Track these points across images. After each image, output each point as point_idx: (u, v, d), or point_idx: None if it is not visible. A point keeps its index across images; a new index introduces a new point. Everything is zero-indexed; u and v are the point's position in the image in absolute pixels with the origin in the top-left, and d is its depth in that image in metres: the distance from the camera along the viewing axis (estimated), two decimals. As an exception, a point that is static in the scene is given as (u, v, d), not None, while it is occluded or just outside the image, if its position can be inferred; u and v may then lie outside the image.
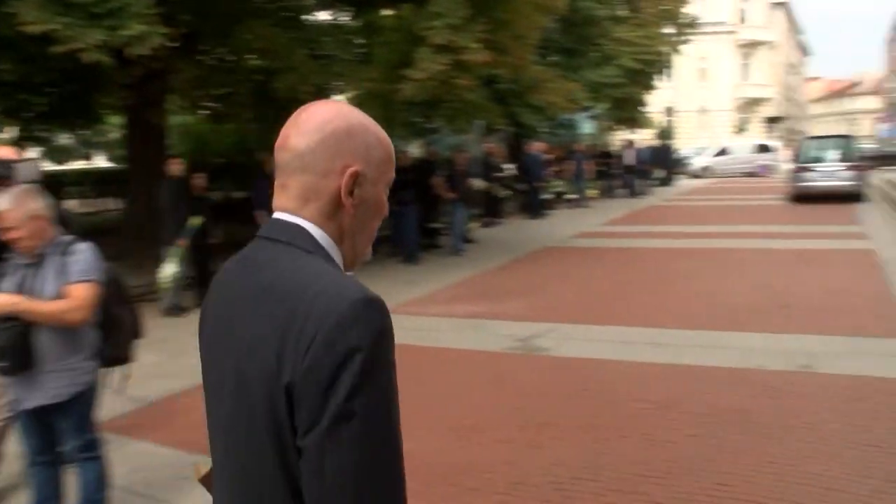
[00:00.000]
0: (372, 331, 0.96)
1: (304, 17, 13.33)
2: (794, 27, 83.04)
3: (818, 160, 18.96)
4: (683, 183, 29.79)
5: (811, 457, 3.96)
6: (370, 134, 1.15)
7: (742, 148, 36.73)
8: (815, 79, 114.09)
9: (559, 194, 19.79)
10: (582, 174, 20.21)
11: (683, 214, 17.26)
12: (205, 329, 1.19)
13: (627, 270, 10.08)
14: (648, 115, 26.55)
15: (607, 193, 23.56)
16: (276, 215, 1.13)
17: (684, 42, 25.47)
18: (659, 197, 22.76)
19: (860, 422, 4.43)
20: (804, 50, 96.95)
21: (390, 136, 1.21)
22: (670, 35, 24.97)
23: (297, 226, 1.11)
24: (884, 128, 56.57)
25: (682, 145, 41.58)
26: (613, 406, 4.89)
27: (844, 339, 6.21)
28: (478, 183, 15.13)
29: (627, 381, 5.40)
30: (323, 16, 14.01)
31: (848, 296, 7.82)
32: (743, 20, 55.69)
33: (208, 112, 15.27)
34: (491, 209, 16.16)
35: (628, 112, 24.56)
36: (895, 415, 4.53)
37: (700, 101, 53.41)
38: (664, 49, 24.59)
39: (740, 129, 52.03)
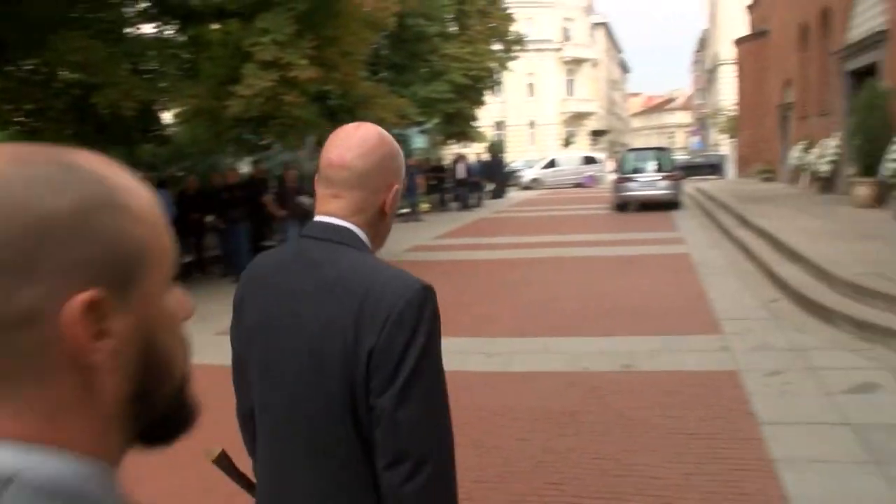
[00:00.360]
0: (430, 311, 1.28)
1: (126, 29, 12.70)
2: (614, 46, 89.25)
3: (638, 171, 20.48)
4: (514, 195, 31.12)
5: (633, 450, 4.29)
6: (401, 154, 1.43)
7: (569, 160, 38.92)
8: (635, 94, 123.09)
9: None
10: (414, 188, 20.58)
11: (515, 226, 18.04)
12: (248, 318, 1.38)
13: (461, 282, 10.39)
14: (479, 129, 27.51)
15: (440, 207, 24.15)
16: (326, 219, 1.36)
17: (512, 58, 26.67)
18: (491, 209, 23.64)
19: (676, 413, 4.85)
20: (624, 67, 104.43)
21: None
22: (498, 52, 26.07)
23: (349, 230, 1.36)
24: (694, 140, 62.11)
25: (513, 158, 43.45)
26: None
27: (662, 337, 6.75)
28: (308, 200, 15.01)
29: (459, 391, 5.57)
30: (147, 29, 13.40)
31: (665, 297, 8.53)
32: (567, 38, 59.11)
33: (20, 128, 14.10)
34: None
35: (459, 126, 25.35)
36: (704, 404, 5.00)
37: (529, 116, 56.07)
38: (493, 65, 25.63)
39: (567, 141, 55.07)
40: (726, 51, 46.29)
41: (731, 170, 35.34)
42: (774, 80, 26.93)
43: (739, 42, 31.30)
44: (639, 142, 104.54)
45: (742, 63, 30.84)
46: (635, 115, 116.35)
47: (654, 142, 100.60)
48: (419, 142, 28.74)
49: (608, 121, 79.67)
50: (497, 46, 26.14)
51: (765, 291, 8.64)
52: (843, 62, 17.52)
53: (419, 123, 23.46)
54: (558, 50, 57.40)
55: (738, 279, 9.51)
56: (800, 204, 16.25)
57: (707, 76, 68.46)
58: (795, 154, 21.48)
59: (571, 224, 17.70)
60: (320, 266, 1.31)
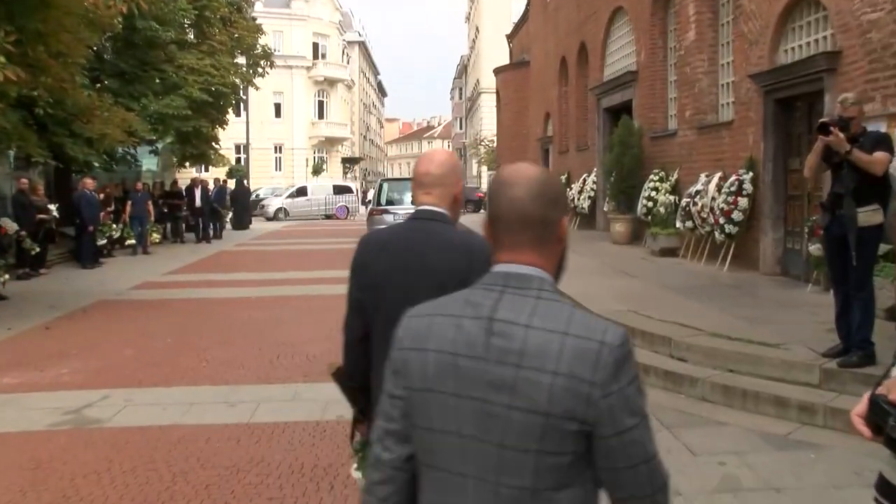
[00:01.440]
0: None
1: None
2: (370, 67, 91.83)
3: (395, 202, 21.13)
4: (259, 226, 30.68)
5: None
6: (460, 162, 2.64)
7: (320, 189, 39.16)
8: (392, 120, 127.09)
9: (115, 239, 18.89)
10: (143, 216, 19.57)
11: (259, 260, 17.78)
12: (373, 272, 2.42)
13: (197, 324, 10.02)
14: (220, 151, 26.82)
15: (173, 238, 23.18)
16: (426, 207, 2.43)
17: (259, 74, 26.39)
18: (232, 241, 23.11)
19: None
20: (381, 91, 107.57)
21: None
22: (243, 66, 25.69)
23: (441, 212, 2.42)
24: None
25: (257, 185, 42.84)
26: (185, 477, 4.81)
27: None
28: (9, 225, 13.76)
29: (199, 447, 5.36)
30: None
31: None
32: (320, 56, 59.66)
33: None
34: (29, 257, 14.74)
35: (197, 147, 24.53)
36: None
37: (275, 139, 55.67)
38: (237, 81, 25.20)
39: (318, 169, 55.41)
40: (488, 79, 49.47)
41: (491, 204, 37.56)
42: (535, 113, 29.27)
43: (499, 71, 33.69)
44: (396, 171, 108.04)
45: (502, 93, 33.17)
46: (392, 142, 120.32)
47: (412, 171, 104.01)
48: (150, 163, 27.43)
49: (363, 147, 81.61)
50: (242, 60, 25.78)
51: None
52: (600, 98, 19.50)
53: (150, 142, 22.40)
54: (310, 68, 57.86)
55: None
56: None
57: (468, 104, 72.60)
58: (556, 190, 23.38)
59: (323, 259, 17.81)
60: (434, 234, 2.40)
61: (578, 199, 20.45)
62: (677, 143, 14.43)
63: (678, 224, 13.26)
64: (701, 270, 11.73)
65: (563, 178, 22.90)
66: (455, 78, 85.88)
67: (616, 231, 16.56)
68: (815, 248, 9.18)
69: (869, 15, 8.77)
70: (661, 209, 14.21)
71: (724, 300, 8.96)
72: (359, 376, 2.56)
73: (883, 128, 8.01)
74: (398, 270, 2.41)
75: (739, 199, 11.14)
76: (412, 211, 2.45)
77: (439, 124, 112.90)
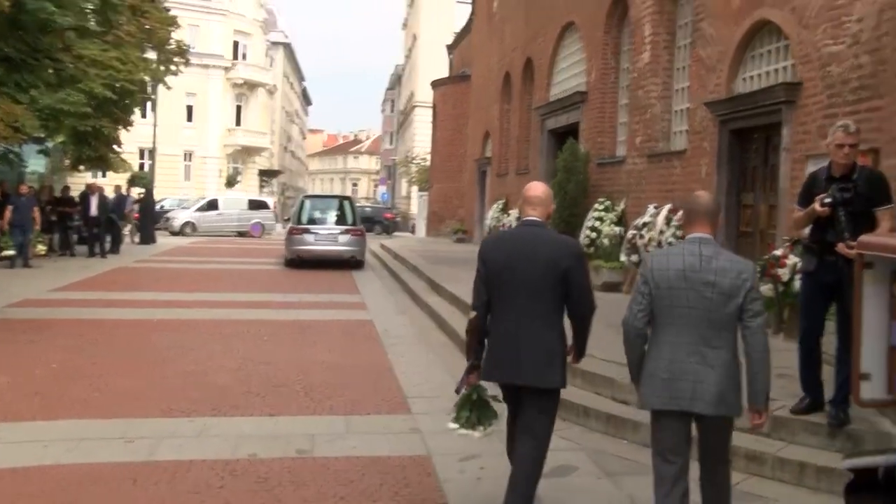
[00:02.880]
0: (581, 247, 5.12)
1: None
2: (295, 72, 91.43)
3: (317, 222, 21.06)
4: (164, 241, 30.14)
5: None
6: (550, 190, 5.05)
7: (234, 203, 38.65)
8: (316, 131, 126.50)
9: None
10: (27, 224, 18.98)
11: (163, 279, 17.47)
12: (494, 261, 4.64)
13: (89, 348, 9.77)
14: (122, 155, 26.27)
15: (61, 251, 22.57)
16: (532, 219, 4.66)
17: (171, 72, 26.01)
18: (132, 257, 22.63)
19: (358, 506, 5.02)
20: (306, 99, 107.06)
21: None
22: (154, 62, 25.28)
23: (541, 222, 4.68)
24: (382, 190, 64.92)
25: (163, 195, 42.09)
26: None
27: (344, 418, 7.00)
28: None
29: (86, 490, 5.21)
30: None
31: (347, 371, 8.84)
32: (240, 56, 59.04)
33: None
34: None
35: (95, 150, 23.95)
36: (392, 495, 5.23)
37: (186, 145, 54.78)
38: (146, 77, 24.80)
39: (231, 180, 54.80)
40: (424, 92, 49.77)
41: (421, 226, 37.77)
42: (474, 131, 29.57)
43: (437, 84, 33.96)
44: (318, 187, 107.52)
45: (439, 108, 33.41)
46: (315, 155, 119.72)
47: (337, 189, 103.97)
48: (36, 164, 26.73)
49: (282, 159, 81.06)
50: (153, 55, 25.38)
51: (459, 366, 9.27)
52: (544, 119, 19.84)
53: (39, 140, 21.81)
54: (228, 69, 57.29)
55: (430, 352, 10.16)
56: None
57: (400, 118, 72.80)
58: (492, 214, 23.65)
59: (235, 280, 17.61)
60: (539, 235, 4.59)
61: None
62: (625, 170, 14.77)
63: (623, 257, 13.52)
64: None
65: (501, 203, 23.17)
66: (387, 89, 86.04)
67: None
68: (765, 289, 9.48)
69: (830, 47, 9.17)
70: (606, 241, 14.47)
71: (671, 341, 9.15)
72: (482, 333, 4.75)
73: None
74: (512, 260, 4.59)
75: (690, 233, 11.44)
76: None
77: (367, 138, 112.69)
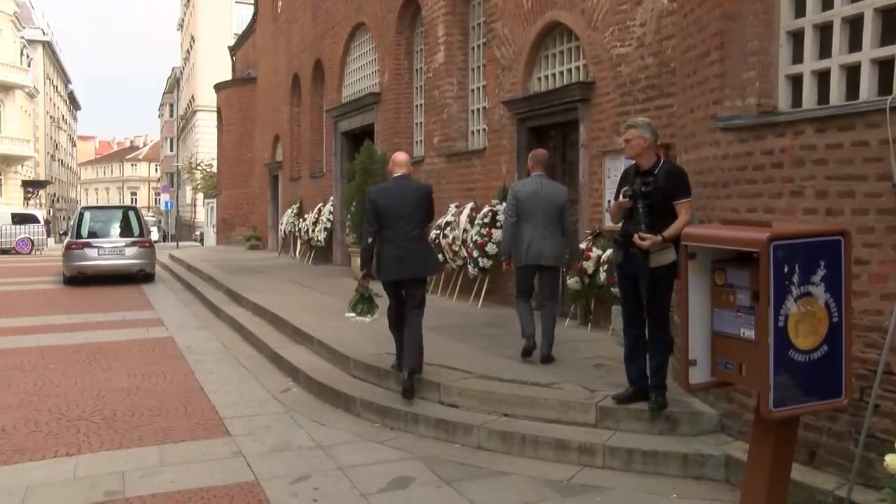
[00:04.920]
0: (430, 186, 8.53)
1: None
2: (60, 74, 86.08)
3: (98, 235, 19.87)
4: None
5: None
6: None
7: (-5, 217, 35.82)
8: (87, 138, 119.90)
9: None
10: None
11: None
12: (386, 198, 7.46)
13: None
14: None
15: None
16: (401, 174, 7.66)
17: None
18: None
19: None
20: (74, 103, 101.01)
21: None
22: None
23: (407, 175, 7.76)
24: (166, 198, 61.44)
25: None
26: None
27: (155, 448, 6.45)
28: None
29: None
30: None
31: (152, 395, 8.28)
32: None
33: None
34: None
35: None
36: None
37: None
38: None
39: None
40: (206, 95, 48.28)
41: (210, 235, 36.63)
42: (263, 135, 28.97)
43: (221, 87, 32.96)
44: (92, 197, 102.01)
45: (225, 112, 32.47)
46: (87, 163, 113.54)
47: (114, 199, 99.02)
48: None
49: (50, 169, 76.24)
50: None
51: (273, 379, 9.03)
52: (337, 121, 19.68)
53: None
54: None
55: (239, 366, 9.77)
56: (298, 276, 17.58)
57: (181, 123, 70.28)
58: (287, 219, 23.25)
59: (5, 303, 16.28)
60: (408, 183, 7.65)
61: (313, 230, 20.42)
62: (425, 171, 14.88)
63: (428, 258, 13.60)
64: (455, 308, 12.12)
65: (295, 207, 22.83)
66: (165, 92, 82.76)
67: (357, 265, 16.63)
68: (572, 282, 9.83)
69: (618, 49, 9.61)
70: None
71: (486, 339, 9.29)
72: (372, 250, 7.40)
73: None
74: (396, 198, 7.39)
75: (494, 230, 11.64)
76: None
77: (145, 144, 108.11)
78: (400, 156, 7.90)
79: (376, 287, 7.69)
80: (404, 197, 7.44)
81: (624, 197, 6.11)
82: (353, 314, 7.73)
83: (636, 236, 5.94)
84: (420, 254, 7.48)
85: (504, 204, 11.58)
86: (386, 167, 16.09)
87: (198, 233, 41.31)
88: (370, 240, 7.40)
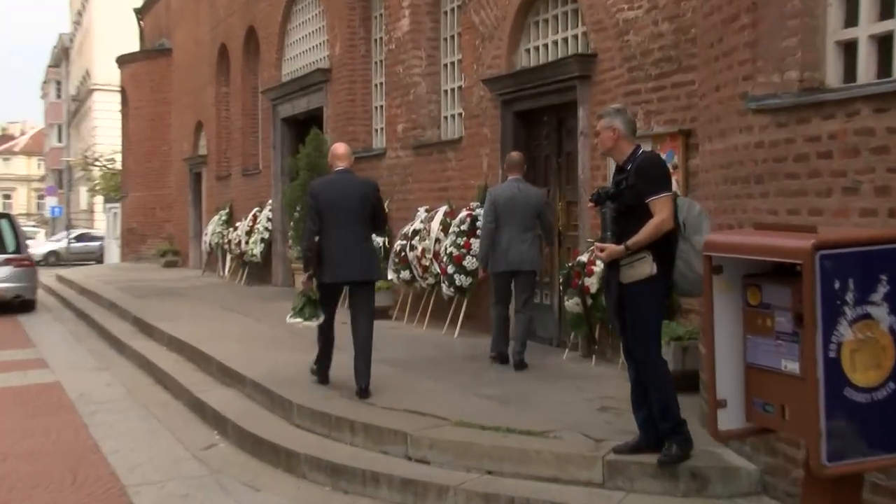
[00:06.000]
0: (376, 182, 9.55)
1: None
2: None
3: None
4: None
5: None
6: None
7: None
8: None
9: None
10: None
11: None
12: (328, 195, 8.60)
13: None
14: None
15: None
16: (343, 168, 8.83)
17: None
18: None
19: None
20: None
21: None
22: None
23: (350, 169, 8.94)
24: (52, 202, 60.26)
25: None
26: None
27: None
28: None
29: None
30: None
31: (32, 460, 8.11)
32: None
33: None
34: None
35: None
36: None
37: None
38: None
39: None
40: (105, 70, 47.94)
41: (113, 249, 36.33)
42: (182, 122, 28.83)
43: (126, 61, 32.72)
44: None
45: (131, 92, 32.24)
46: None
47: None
48: None
49: None
50: None
51: (193, 432, 8.97)
52: (276, 105, 19.66)
53: None
54: None
55: (149, 417, 9.65)
56: (228, 299, 17.56)
57: (72, 106, 69.63)
58: (213, 228, 23.13)
59: None
60: (351, 178, 8.92)
61: (247, 242, 20.34)
62: (386, 166, 14.92)
63: (390, 275, 13.59)
64: (425, 337, 12.15)
65: (224, 213, 22.77)
66: (50, 66, 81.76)
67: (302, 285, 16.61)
68: (571, 304, 9.79)
69: (625, 13, 9.65)
70: (367, 256, 14.49)
71: (464, 376, 9.33)
72: (315, 250, 8.49)
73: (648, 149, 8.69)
74: (339, 195, 8.49)
75: (473, 240, 11.62)
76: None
77: (23, 133, 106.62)
78: (340, 147, 9.11)
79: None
80: (348, 192, 8.59)
81: (590, 202, 6.16)
82: (298, 319, 8.73)
83: (595, 247, 5.97)
84: (366, 255, 8.71)
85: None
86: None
87: (96, 246, 40.89)
88: (315, 238, 8.53)
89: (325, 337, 8.88)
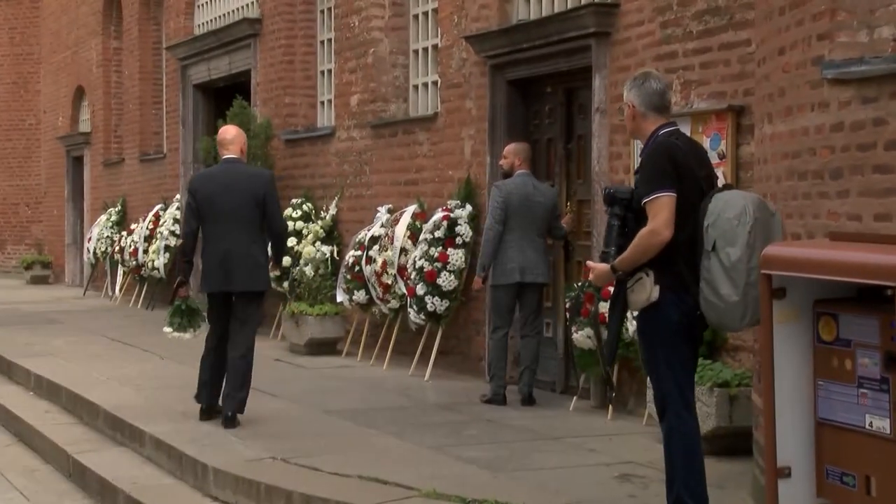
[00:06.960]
0: (272, 175, 11.07)
1: None
2: None
3: None
4: None
5: None
6: None
7: None
8: None
9: None
10: None
11: None
12: (208, 190, 9.72)
13: None
14: None
15: None
16: (230, 156, 9.72)
17: None
18: None
19: None
20: None
21: None
22: None
23: (238, 159, 9.84)
24: None
25: None
26: None
27: None
28: None
29: None
30: None
31: None
32: None
33: None
34: None
35: None
36: None
37: None
38: None
39: None
40: None
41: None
42: (55, 87, 28.67)
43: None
44: None
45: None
46: None
47: None
48: None
49: None
50: None
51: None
52: (186, 67, 19.62)
53: None
54: None
55: (10, 489, 9.44)
56: (119, 328, 17.59)
57: None
58: (100, 232, 23.00)
59: None
60: (239, 170, 9.83)
61: (146, 251, 20.22)
62: (335, 151, 14.94)
63: (340, 296, 13.56)
64: (388, 379, 12.21)
65: (116, 210, 22.70)
66: None
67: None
68: (582, 337, 9.58)
69: (659, -54, 9.63)
70: (308, 269, 14.38)
71: (438, 431, 9.37)
72: (190, 255, 9.84)
73: (686, 132, 8.40)
74: (222, 190, 9.40)
75: (452, 250, 11.61)
76: None
77: None
78: (229, 131, 10.07)
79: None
80: (233, 185, 9.45)
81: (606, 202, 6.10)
82: (170, 329, 10.10)
83: (584, 266, 5.95)
84: (250, 262, 9.45)
85: (467, 208, 11.64)
86: (271, 143, 16.15)
87: None
88: (192, 241, 9.73)
89: (211, 358, 9.57)
